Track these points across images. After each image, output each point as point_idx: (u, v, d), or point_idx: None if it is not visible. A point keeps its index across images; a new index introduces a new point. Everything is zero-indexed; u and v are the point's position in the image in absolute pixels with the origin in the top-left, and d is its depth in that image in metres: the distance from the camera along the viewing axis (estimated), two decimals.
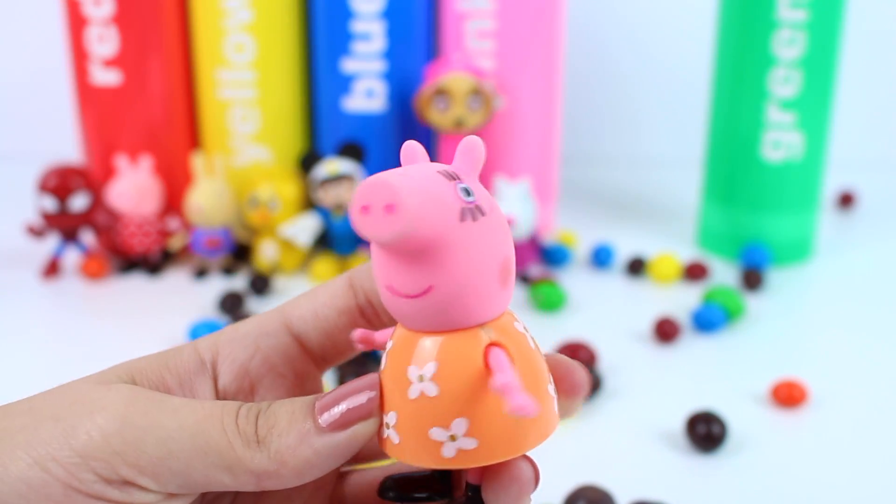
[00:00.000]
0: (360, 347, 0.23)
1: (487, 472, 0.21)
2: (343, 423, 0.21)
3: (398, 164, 0.21)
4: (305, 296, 0.25)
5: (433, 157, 0.66)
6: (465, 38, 0.63)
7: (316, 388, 0.25)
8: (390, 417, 0.21)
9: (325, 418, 0.21)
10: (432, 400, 0.20)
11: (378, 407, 0.21)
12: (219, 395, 0.23)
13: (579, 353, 0.47)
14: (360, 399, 0.21)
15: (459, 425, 0.20)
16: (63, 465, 0.20)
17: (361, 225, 0.18)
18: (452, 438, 0.20)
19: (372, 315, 0.25)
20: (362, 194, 0.18)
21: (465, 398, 0.20)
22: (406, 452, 0.21)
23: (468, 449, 0.20)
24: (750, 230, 0.65)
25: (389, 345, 0.21)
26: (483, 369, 0.20)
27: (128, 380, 0.22)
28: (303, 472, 0.21)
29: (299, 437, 0.20)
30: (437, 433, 0.20)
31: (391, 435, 0.21)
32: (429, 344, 0.20)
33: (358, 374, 0.30)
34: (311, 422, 0.21)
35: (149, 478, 0.20)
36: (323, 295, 0.25)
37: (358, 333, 0.23)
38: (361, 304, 0.25)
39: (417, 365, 0.20)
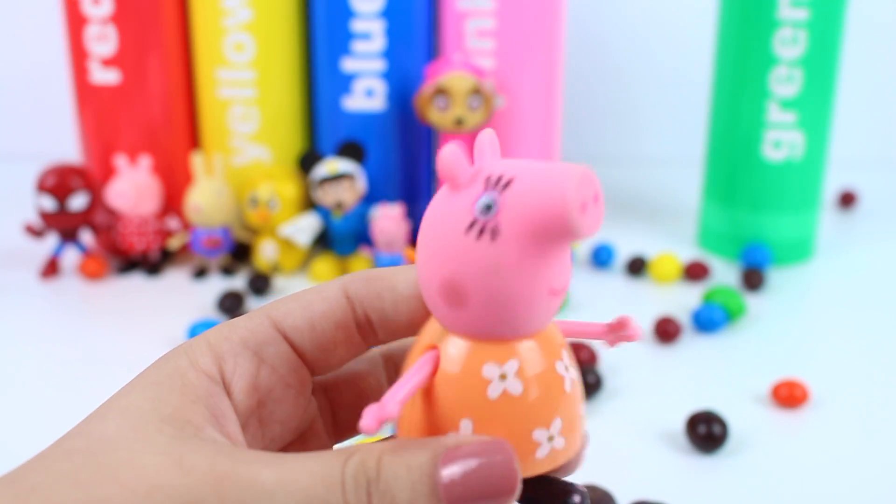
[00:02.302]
0: (373, 431, 0.19)
1: None
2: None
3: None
4: (296, 302, 0.23)
5: (433, 158, 0.66)
6: (465, 37, 0.63)
7: (309, 396, 0.24)
8: (465, 425, 0.20)
9: (449, 489, 0.18)
10: (529, 399, 0.19)
11: (519, 476, 0.19)
12: (237, 415, 0.22)
13: (579, 353, 0.47)
14: (494, 463, 0.18)
15: (557, 424, 0.20)
16: None
17: (583, 223, 0.17)
18: (550, 439, 0.20)
19: (368, 331, 0.23)
20: (583, 190, 0.17)
21: (554, 397, 0.20)
22: None
23: (558, 449, 0.20)
24: (750, 230, 0.65)
25: (450, 365, 0.20)
26: (553, 371, 0.20)
27: (168, 425, 0.19)
28: None
29: None
30: (539, 434, 0.20)
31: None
32: (522, 346, 0.20)
33: None
34: (436, 501, 0.18)
35: None
36: (318, 304, 0.23)
37: (371, 422, 0.18)
38: (359, 318, 0.23)
39: (559, 359, 0.20)
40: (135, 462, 0.18)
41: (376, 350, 0.25)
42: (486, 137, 0.20)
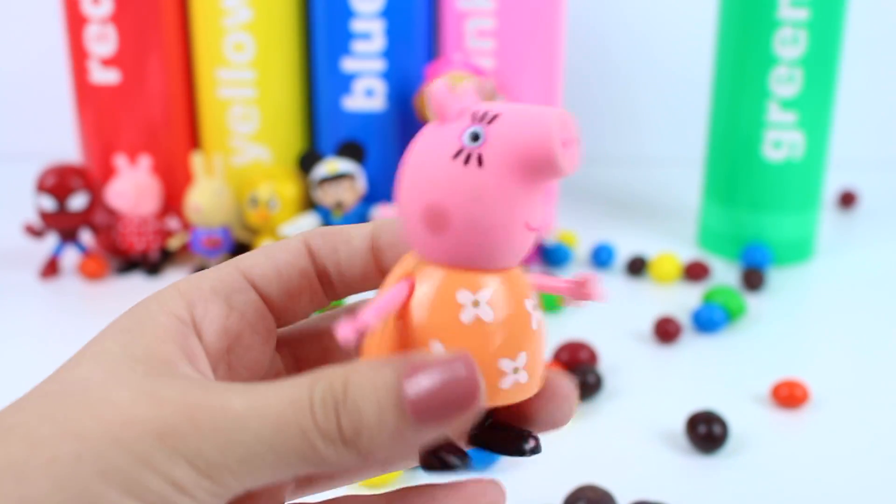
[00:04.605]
0: (349, 342, 0.20)
1: (538, 396, 0.22)
2: (441, 417, 0.19)
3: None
4: (261, 253, 0.24)
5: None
6: (465, 37, 0.63)
7: (275, 345, 0.24)
8: (435, 346, 0.21)
9: (415, 402, 0.19)
10: (496, 328, 0.20)
11: (482, 385, 0.19)
12: (208, 357, 0.22)
13: (580, 353, 0.47)
14: (457, 374, 0.19)
15: (522, 358, 0.21)
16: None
17: (564, 158, 0.19)
18: (515, 371, 0.21)
19: (327, 284, 0.24)
20: (564, 128, 0.19)
21: (522, 330, 0.21)
22: None
23: (522, 383, 0.21)
24: (750, 230, 0.65)
25: (424, 289, 0.21)
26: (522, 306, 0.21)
27: (140, 363, 0.20)
28: (392, 462, 0.20)
29: (391, 435, 0.19)
30: (505, 364, 0.20)
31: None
32: (496, 278, 0.21)
33: None
34: (403, 416, 0.18)
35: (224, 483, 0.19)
36: (282, 254, 0.24)
37: (347, 332, 0.20)
38: (319, 270, 0.24)
39: (528, 298, 0.21)
40: (109, 398, 0.19)
41: (342, 308, 0.26)
42: (474, 84, 0.21)
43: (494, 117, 0.20)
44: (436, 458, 0.20)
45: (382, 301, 0.20)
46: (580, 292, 0.22)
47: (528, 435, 0.22)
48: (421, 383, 0.19)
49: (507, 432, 0.22)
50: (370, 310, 0.20)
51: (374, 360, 0.20)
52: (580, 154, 0.19)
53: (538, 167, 0.19)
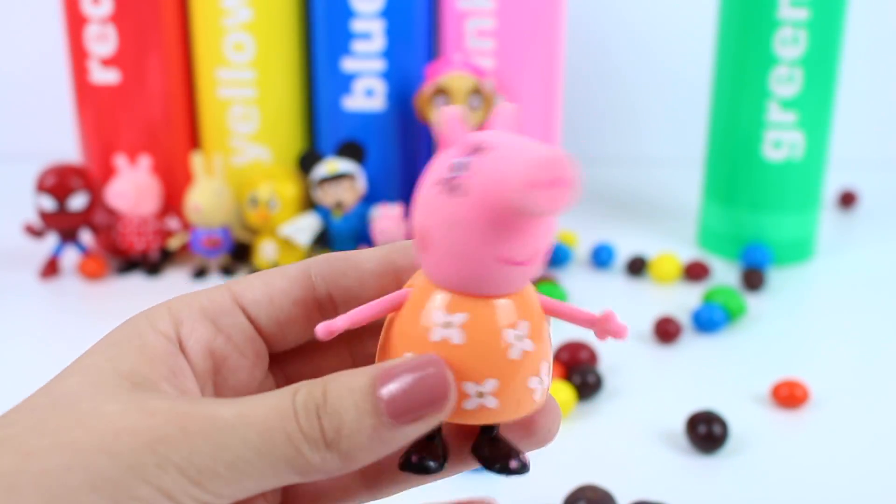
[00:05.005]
0: (323, 338, 0.21)
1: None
2: (415, 415, 0.20)
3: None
4: (259, 278, 0.24)
5: (432, 157, 0.66)
6: (466, 37, 0.63)
7: (266, 369, 0.25)
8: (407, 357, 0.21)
9: (390, 403, 0.20)
10: (463, 352, 0.21)
11: (452, 385, 0.20)
12: (195, 375, 0.23)
13: (580, 353, 0.47)
14: (427, 375, 0.20)
15: (490, 384, 0.21)
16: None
17: (531, 201, 0.18)
18: (480, 395, 0.21)
19: (330, 308, 0.24)
20: (546, 170, 0.18)
21: (491, 358, 0.21)
22: None
23: (490, 407, 0.21)
24: (751, 230, 0.65)
25: (440, 315, 0.21)
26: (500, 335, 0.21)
27: (127, 380, 0.21)
28: (371, 461, 0.20)
29: (370, 436, 0.20)
30: (468, 387, 0.21)
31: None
32: (476, 303, 0.21)
33: None
34: (379, 417, 0.20)
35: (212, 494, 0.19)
36: (279, 281, 0.24)
37: (322, 329, 0.21)
38: (321, 296, 0.24)
39: (512, 327, 0.21)
40: (98, 410, 0.19)
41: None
42: (505, 112, 0.22)
43: (484, 150, 0.20)
44: (413, 461, 0.21)
45: (364, 307, 0.21)
46: (605, 328, 0.22)
47: (517, 454, 0.22)
48: (394, 387, 0.20)
49: (501, 446, 0.22)
50: (348, 313, 0.21)
51: (351, 369, 0.21)
52: (570, 195, 0.19)
53: (505, 206, 0.19)
